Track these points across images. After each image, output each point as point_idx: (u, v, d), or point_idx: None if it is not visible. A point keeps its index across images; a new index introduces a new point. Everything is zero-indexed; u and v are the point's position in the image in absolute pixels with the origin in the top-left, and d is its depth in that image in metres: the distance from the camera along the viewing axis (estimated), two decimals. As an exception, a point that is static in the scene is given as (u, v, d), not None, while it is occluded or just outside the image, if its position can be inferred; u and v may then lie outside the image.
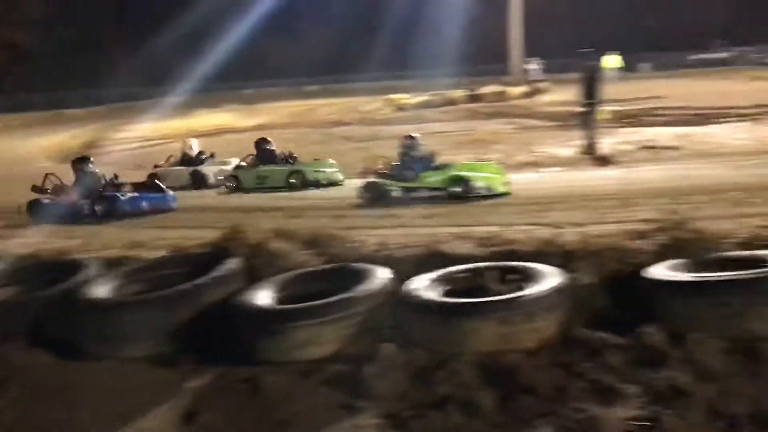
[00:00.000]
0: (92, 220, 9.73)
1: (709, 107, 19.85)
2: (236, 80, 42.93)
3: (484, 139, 16.57)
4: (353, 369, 4.07)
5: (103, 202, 9.92)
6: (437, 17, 46.23)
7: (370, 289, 4.55)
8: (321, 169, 12.02)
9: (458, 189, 9.22)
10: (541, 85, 31.36)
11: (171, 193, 10.52)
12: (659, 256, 4.48)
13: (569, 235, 5.22)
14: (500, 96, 29.77)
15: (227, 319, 4.65)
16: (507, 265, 4.65)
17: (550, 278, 4.30)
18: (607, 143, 13.36)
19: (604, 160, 12.15)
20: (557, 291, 4.18)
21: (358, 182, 10.41)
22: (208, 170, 13.37)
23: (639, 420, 3.41)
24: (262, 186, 12.06)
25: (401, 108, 27.82)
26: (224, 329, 4.59)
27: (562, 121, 18.70)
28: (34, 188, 10.34)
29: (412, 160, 9.76)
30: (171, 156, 14.20)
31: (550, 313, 4.09)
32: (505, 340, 4.03)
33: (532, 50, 34.02)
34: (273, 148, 12.54)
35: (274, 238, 5.53)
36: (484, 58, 40.36)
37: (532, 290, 4.17)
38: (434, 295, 4.40)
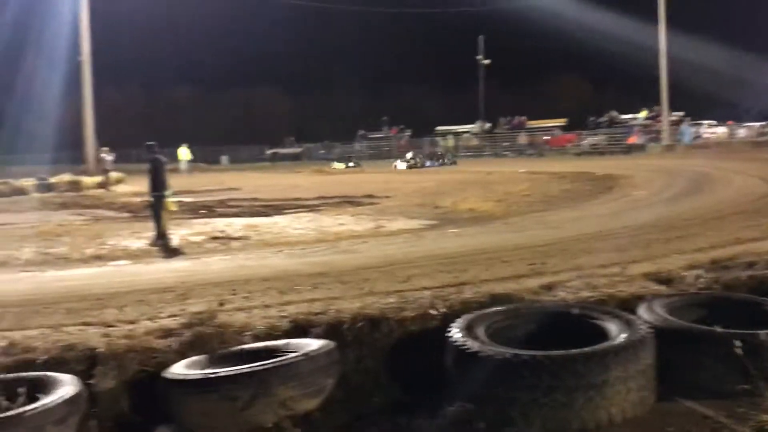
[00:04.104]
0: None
1: (278, 198, 21.28)
2: None
3: (52, 231, 15.45)
4: None
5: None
6: (8, 102, 43.29)
7: None
8: None
9: None
10: (117, 175, 30.86)
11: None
12: (182, 353, 4.46)
13: (97, 337, 4.94)
14: (74, 185, 28.51)
15: None
16: (18, 376, 4.21)
17: (63, 388, 3.98)
18: (178, 234, 13.39)
19: (173, 252, 12.11)
20: (67, 402, 3.88)
21: None
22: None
23: None
24: None
25: (-45, 198, 25.00)
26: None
27: (135, 212, 18.48)
28: None
29: None
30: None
31: (60, 426, 3.77)
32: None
33: (106, 140, 33.49)
34: None
35: None
36: (60, 146, 38.75)
37: (36, 404, 3.80)
38: None
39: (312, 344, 4.33)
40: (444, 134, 57.97)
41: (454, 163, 42.79)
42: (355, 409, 4.25)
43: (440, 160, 42.52)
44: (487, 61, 57.65)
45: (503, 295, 5.19)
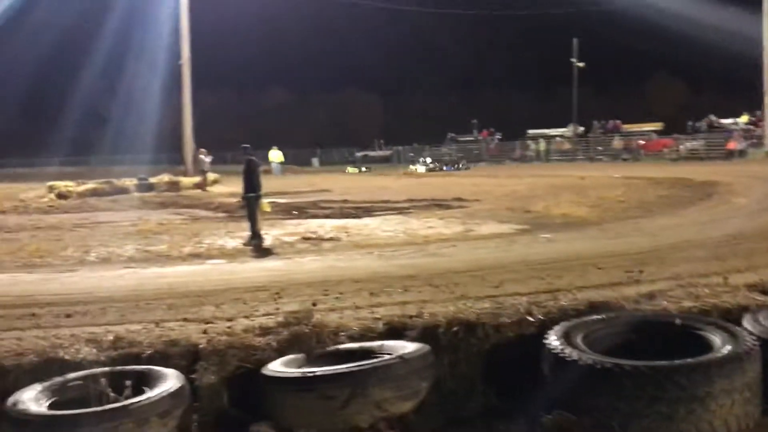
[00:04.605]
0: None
1: (368, 200, 21.44)
2: None
3: (151, 230, 16.03)
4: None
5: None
6: (112, 105, 45.21)
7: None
8: None
9: None
10: (213, 176, 31.74)
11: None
12: (280, 351, 4.54)
13: (197, 333, 5.09)
14: (173, 185, 29.50)
15: None
16: (124, 369, 4.39)
17: (167, 382, 4.12)
18: (271, 235, 13.67)
19: (266, 252, 12.37)
20: (172, 395, 4.01)
21: None
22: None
23: None
24: None
25: (64, 196, 26.06)
26: None
27: (231, 212, 18.96)
28: None
29: None
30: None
31: (164, 418, 3.90)
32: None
33: (203, 142, 34.48)
34: None
35: None
36: (160, 147, 40.15)
37: (142, 397, 3.95)
38: (38, 408, 3.97)
39: (407, 347, 4.34)
40: (535, 138, 57.06)
41: (468, 168, 46.57)
42: (450, 413, 4.24)
43: (455, 165, 47.18)
44: (581, 64, 56.43)
45: (602, 303, 5.08)
